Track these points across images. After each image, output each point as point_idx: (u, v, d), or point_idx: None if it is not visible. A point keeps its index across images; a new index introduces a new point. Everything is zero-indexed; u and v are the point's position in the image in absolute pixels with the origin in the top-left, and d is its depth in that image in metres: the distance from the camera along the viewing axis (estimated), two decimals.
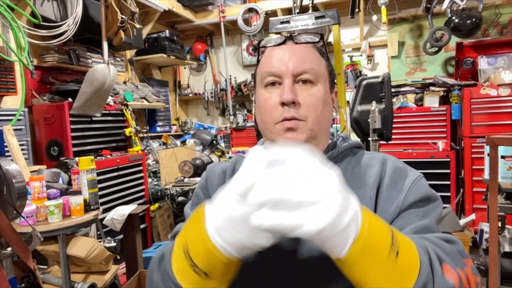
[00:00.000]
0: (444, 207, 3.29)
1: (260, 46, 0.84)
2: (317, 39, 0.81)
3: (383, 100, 2.27)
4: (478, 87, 3.34)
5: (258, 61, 0.85)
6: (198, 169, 3.39)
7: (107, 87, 2.90)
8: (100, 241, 1.98)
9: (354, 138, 2.06)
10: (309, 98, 0.76)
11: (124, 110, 3.43)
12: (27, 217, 1.68)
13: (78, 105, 2.84)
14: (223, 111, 4.98)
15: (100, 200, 2.25)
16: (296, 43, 0.80)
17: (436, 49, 3.72)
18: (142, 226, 3.27)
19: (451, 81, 3.65)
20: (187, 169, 3.41)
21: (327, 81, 0.80)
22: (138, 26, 3.13)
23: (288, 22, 2.54)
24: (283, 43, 0.80)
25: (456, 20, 3.42)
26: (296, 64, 0.76)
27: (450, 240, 0.64)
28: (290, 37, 0.81)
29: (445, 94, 3.72)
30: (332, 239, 0.47)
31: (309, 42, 0.81)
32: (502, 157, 2.01)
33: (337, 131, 0.90)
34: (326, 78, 0.80)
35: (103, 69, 2.85)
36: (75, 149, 2.91)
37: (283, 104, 0.75)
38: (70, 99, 2.91)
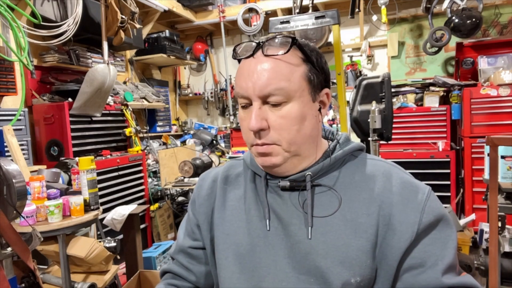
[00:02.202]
0: (445, 207, 3.29)
1: (234, 57, 0.76)
2: (286, 49, 0.70)
3: (383, 100, 2.27)
4: (478, 87, 3.34)
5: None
6: (198, 169, 3.39)
7: (107, 87, 2.90)
8: (100, 241, 1.98)
9: (354, 138, 2.05)
10: (280, 120, 0.70)
11: (124, 110, 3.43)
12: (27, 217, 1.68)
13: (78, 105, 2.84)
14: (223, 111, 4.98)
15: (100, 200, 2.25)
16: (265, 55, 0.70)
17: (436, 49, 3.72)
18: (142, 226, 3.27)
19: (451, 81, 3.65)
20: (187, 169, 3.41)
21: (305, 93, 0.71)
22: (138, 26, 3.13)
23: (288, 22, 2.54)
24: (252, 54, 0.71)
25: (456, 20, 3.42)
26: (261, 85, 0.69)
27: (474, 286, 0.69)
28: (260, 45, 0.71)
29: (445, 94, 3.72)
30: None
31: (276, 55, 0.70)
32: (502, 157, 2.01)
33: (337, 131, 0.86)
34: (304, 90, 0.71)
35: (103, 69, 2.85)
36: (75, 149, 2.90)
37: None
38: (70, 99, 2.91)
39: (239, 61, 0.76)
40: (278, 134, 0.70)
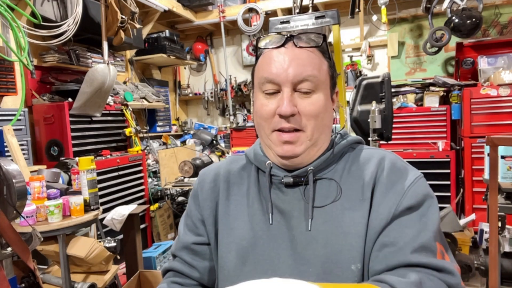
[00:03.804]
0: (444, 207, 3.29)
1: (259, 47, 0.79)
2: (320, 42, 0.76)
3: (383, 100, 2.27)
4: (478, 87, 3.34)
5: (257, 57, 0.81)
6: (198, 169, 3.39)
7: (107, 87, 2.90)
8: (100, 241, 1.98)
9: None
10: (310, 107, 0.73)
11: (124, 110, 3.43)
12: (27, 217, 1.68)
13: (78, 105, 2.84)
14: (223, 111, 4.99)
15: (100, 200, 2.25)
16: (298, 46, 0.75)
17: (436, 49, 3.72)
18: (142, 226, 3.27)
19: (451, 81, 3.65)
20: (187, 169, 3.41)
21: (328, 86, 0.77)
22: (138, 26, 3.13)
23: (288, 22, 2.54)
24: (282, 45, 0.75)
25: (456, 20, 3.42)
26: (297, 71, 0.72)
27: (447, 271, 0.65)
28: (290, 38, 0.76)
29: (445, 94, 3.72)
30: None
31: (311, 46, 0.75)
32: (502, 157, 2.01)
33: (336, 128, 0.87)
34: (327, 83, 0.77)
35: (103, 69, 2.85)
36: (75, 149, 2.90)
37: (281, 115, 0.73)
38: (70, 99, 2.91)
39: (258, 51, 0.79)
40: (306, 119, 0.73)
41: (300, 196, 0.77)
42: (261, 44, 0.78)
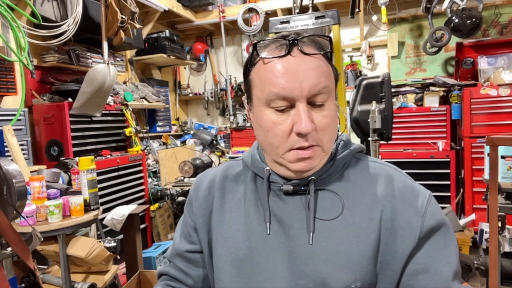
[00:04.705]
0: (444, 207, 3.29)
1: (259, 55, 0.70)
2: (328, 47, 0.69)
3: (383, 100, 2.27)
4: (478, 87, 3.34)
5: (252, 63, 0.72)
6: (198, 169, 3.39)
7: (107, 87, 2.90)
8: (100, 241, 1.98)
9: (354, 137, 2.03)
10: (324, 120, 0.68)
11: (124, 110, 3.43)
12: (27, 217, 1.68)
13: (78, 105, 2.84)
14: (223, 111, 4.99)
15: (100, 200, 2.25)
16: (307, 54, 0.67)
17: (436, 49, 3.72)
18: (142, 226, 3.27)
19: (451, 81, 3.65)
20: (187, 169, 3.41)
21: (334, 91, 0.71)
22: (138, 26, 3.13)
23: (288, 22, 2.54)
24: (288, 53, 0.67)
25: (456, 20, 3.42)
26: (311, 84, 0.65)
27: None
28: (294, 43, 0.67)
29: (445, 94, 3.72)
30: None
31: (320, 53, 0.68)
32: (502, 157, 2.01)
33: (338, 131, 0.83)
34: (334, 89, 0.71)
35: (103, 69, 2.85)
36: (75, 149, 2.91)
37: (300, 133, 0.66)
38: (70, 99, 2.91)
39: (253, 57, 0.71)
40: (322, 134, 0.68)
41: (301, 206, 0.73)
42: (261, 51, 0.70)
